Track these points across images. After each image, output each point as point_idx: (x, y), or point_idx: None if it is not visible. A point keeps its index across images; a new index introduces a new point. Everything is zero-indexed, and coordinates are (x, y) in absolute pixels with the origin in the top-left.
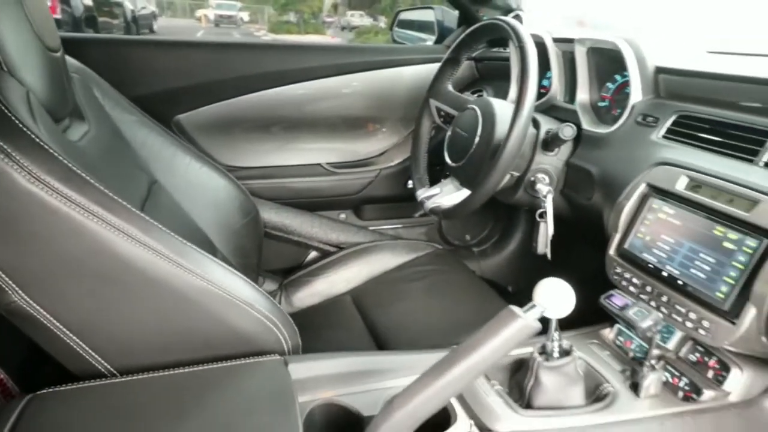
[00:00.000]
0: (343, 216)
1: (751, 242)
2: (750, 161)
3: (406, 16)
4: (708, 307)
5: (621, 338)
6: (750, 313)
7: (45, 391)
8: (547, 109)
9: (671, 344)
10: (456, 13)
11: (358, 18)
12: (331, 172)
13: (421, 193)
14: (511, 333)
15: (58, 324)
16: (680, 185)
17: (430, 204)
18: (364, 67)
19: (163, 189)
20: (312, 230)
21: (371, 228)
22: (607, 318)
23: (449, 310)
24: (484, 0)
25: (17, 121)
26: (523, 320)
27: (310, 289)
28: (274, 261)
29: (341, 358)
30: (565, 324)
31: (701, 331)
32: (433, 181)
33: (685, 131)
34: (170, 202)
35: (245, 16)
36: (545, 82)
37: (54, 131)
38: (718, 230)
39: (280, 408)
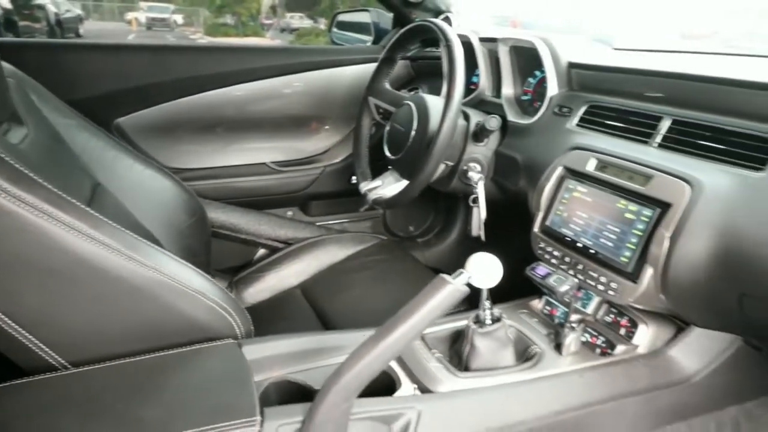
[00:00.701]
0: (290, 213)
1: (647, 212)
2: (646, 143)
3: (343, 18)
4: (615, 271)
5: (548, 307)
6: (648, 273)
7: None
8: (477, 103)
9: (590, 309)
10: (391, 15)
11: (297, 20)
12: (277, 170)
13: (364, 186)
14: (442, 296)
15: (7, 320)
16: (590, 166)
17: (372, 196)
18: (305, 67)
19: (107, 191)
20: (259, 228)
21: (318, 223)
22: (537, 291)
23: (394, 294)
24: (416, 3)
25: None
26: (452, 285)
27: (261, 284)
28: (223, 260)
29: (292, 339)
30: (499, 297)
31: (610, 292)
32: (376, 174)
33: (595, 119)
34: (115, 203)
35: (179, 18)
36: (475, 79)
37: None
38: (621, 204)
39: (236, 386)
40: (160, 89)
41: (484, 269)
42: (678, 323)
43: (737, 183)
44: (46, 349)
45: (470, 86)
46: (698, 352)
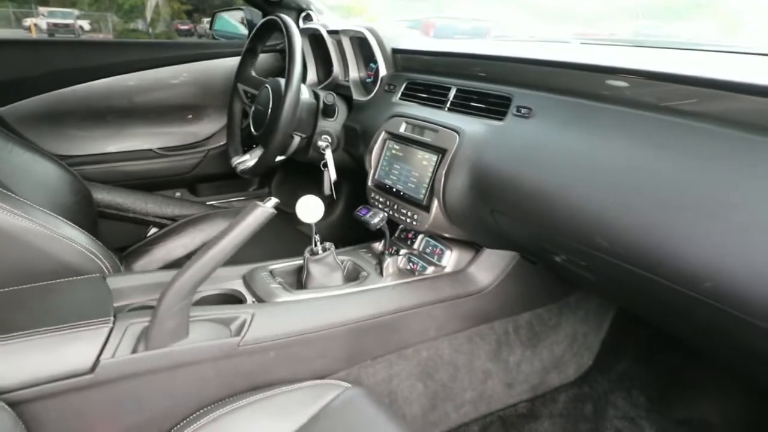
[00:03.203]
0: (178, 194)
1: (434, 158)
2: (440, 107)
3: (223, 15)
4: (416, 205)
5: (380, 247)
6: (435, 204)
7: None
8: (334, 87)
9: (416, 245)
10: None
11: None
12: (162, 155)
13: (235, 160)
14: (255, 216)
15: None
16: (402, 128)
17: (240, 167)
18: (186, 59)
19: None
20: (147, 206)
21: (207, 203)
22: (380, 237)
23: (266, 252)
24: (277, 2)
25: None
26: (262, 207)
27: (149, 257)
28: (115, 240)
29: (154, 273)
30: (350, 243)
31: (414, 222)
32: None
33: (411, 93)
34: None
35: (86, 24)
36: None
37: None
38: (420, 155)
39: (96, 302)
40: (40, 81)
41: (308, 207)
42: (476, 247)
43: (486, 130)
44: None
45: (329, 71)
46: (489, 268)
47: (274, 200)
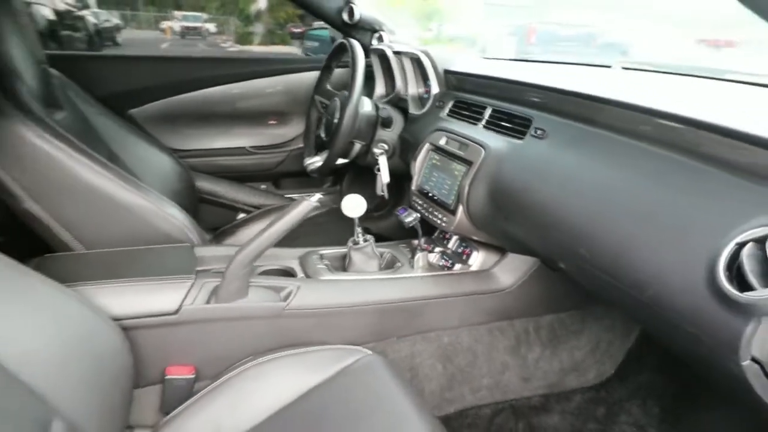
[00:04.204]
0: (263, 186)
1: (463, 168)
2: (476, 124)
3: (312, 34)
4: (446, 209)
5: (423, 244)
6: (460, 209)
7: (46, 256)
8: (397, 100)
9: (450, 244)
10: None
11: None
12: (253, 152)
13: (307, 161)
14: (301, 208)
15: (51, 219)
16: (442, 141)
17: (310, 167)
18: (280, 72)
19: (118, 157)
20: (237, 195)
21: (287, 196)
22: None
23: (323, 240)
24: (353, 25)
25: (32, 108)
26: (307, 202)
27: (235, 237)
28: (210, 221)
29: (228, 248)
30: (398, 238)
31: (443, 224)
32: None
33: (456, 110)
34: (122, 164)
35: (212, 27)
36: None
37: (47, 113)
38: (454, 165)
39: (184, 264)
40: (163, 89)
41: (352, 204)
42: (501, 251)
43: (508, 147)
44: (71, 238)
45: (394, 86)
46: (511, 270)
47: (318, 196)
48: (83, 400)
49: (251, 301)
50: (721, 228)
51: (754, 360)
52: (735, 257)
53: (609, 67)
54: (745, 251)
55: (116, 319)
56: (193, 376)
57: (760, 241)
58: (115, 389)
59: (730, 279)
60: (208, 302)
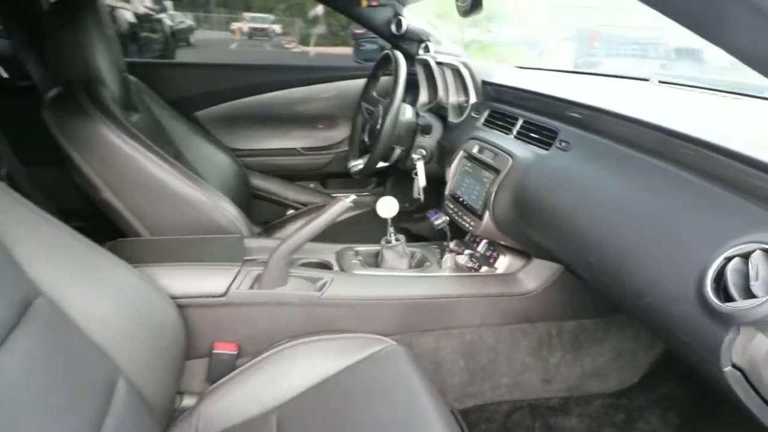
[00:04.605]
0: (311, 186)
1: (491, 176)
2: (507, 134)
3: (363, 43)
4: (474, 214)
5: (453, 246)
6: (486, 214)
7: (119, 240)
8: (438, 108)
9: (479, 248)
10: None
11: None
12: (303, 153)
13: (350, 163)
14: (338, 207)
15: (122, 206)
16: (475, 149)
17: (353, 169)
18: (332, 79)
19: (183, 155)
20: (287, 193)
21: (333, 195)
22: (454, 236)
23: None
24: (400, 36)
25: (113, 111)
26: (342, 202)
27: (283, 231)
28: (262, 215)
29: (273, 240)
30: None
31: (470, 227)
32: None
33: (491, 119)
34: (187, 163)
35: (278, 28)
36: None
37: (125, 116)
38: (483, 172)
39: (233, 253)
40: (226, 93)
41: (386, 205)
42: (527, 257)
43: (534, 157)
44: (140, 225)
45: (435, 95)
46: (536, 275)
47: (353, 197)
48: (143, 365)
49: (289, 289)
50: (714, 242)
51: (735, 367)
52: (723, 271)
53: (646, 80)
54: (730, 265)
55: (173, 297)
56: (236, 353)
57: (745, 257)
58: (170, 358)
59: (717, 291)
60: (251, 288)
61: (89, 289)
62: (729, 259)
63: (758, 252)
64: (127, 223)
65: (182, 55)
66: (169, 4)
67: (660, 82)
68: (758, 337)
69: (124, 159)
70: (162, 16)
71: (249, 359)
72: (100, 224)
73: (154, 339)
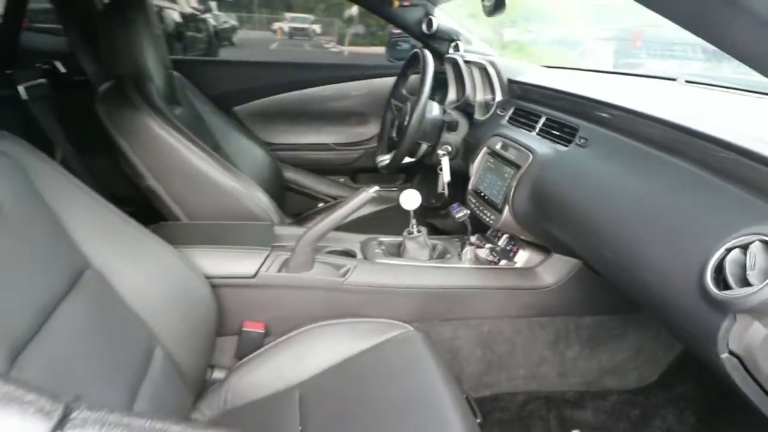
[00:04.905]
0: (342, 180)
1: (512, 171)
2: (530, 131)
3: (395, 42)
4: (494, 208)
5: (474, 239)
6: (506, 208)
7: (161, 223)
8: (466, 105)
9: (500, 242)
10: None
11: None
12: (335, 148)
13: (378, 158)
14: (362, 196)
15: (164, 192)
16: (498, 146)
17: (380, 164)
18: (364, 77)
19: (222, 148)
20: (318, 186)
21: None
22: (476, 230)
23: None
24: (431, 35)
25: (158, 105)
26: (366, 192)
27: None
28: (294, 207)
29: (301, 228)
30: (457, 232)
31: (490, 221)
32: None
33: (516, 117)
34: (225, 154)
35: (317, 28)
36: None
37: (169, 109)
38: (505, 168)
39: (264, 238)
40: (263, 89)
41: (409, 198)
42: (546, 252)
43: (554, 154)
44: (179, 210)
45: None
46: (554, 270)
47: (376, 188)
48: (179, 337)
49: (314, 274)
50: (718, 234)
51: (732, 354)
52: (723, 262)
53: (674, 80)
54: (730, 256)
55: (207, 277)
56: (263, 332)
57: (744, 248)
58: (203, 333)
59: (717, 281)
60: (279, 271)
61: (133, 265)
62: (729, 250)
63: (757, 243)
64: (168, 209)
65: (225, 54)
66: (213, 5)
67: (687, 81)
68: (754, 325)
69: (168, 149)
70: (207, 16)
71: (275, 338)
72: (145, 209)
73: (189, 314)
